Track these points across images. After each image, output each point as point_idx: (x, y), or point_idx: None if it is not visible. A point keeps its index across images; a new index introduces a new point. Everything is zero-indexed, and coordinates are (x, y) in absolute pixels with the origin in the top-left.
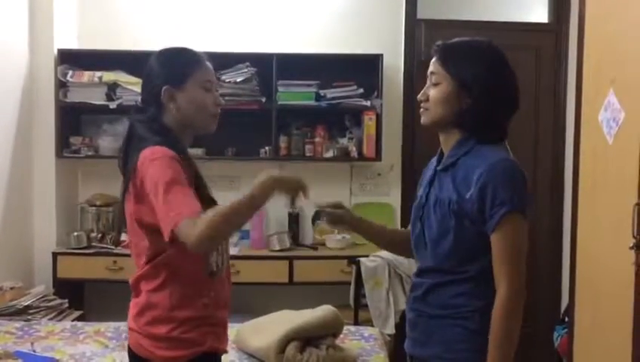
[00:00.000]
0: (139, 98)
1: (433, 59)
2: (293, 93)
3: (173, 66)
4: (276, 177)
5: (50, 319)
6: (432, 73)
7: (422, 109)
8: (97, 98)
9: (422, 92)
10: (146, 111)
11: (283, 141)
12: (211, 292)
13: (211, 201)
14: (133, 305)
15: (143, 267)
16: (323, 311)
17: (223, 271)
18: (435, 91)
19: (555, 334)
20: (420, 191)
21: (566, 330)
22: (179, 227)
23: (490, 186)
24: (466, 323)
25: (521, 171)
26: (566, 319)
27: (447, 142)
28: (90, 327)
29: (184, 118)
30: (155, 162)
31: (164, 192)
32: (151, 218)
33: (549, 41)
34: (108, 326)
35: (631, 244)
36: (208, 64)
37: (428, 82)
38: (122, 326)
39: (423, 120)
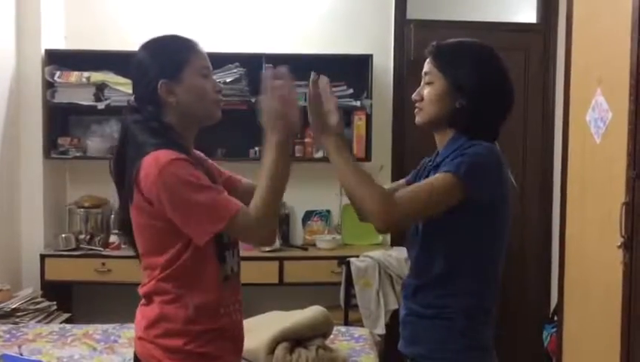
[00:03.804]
0: (130, 97)
1: (428, 59)
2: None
3: (166, 57)
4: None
5: (38, 321)
6: (425, 73)
7: (416, 109)
8: (85, 98)
9: (416, 92)
10: (142, 110)
11: None
12: (227, 300)
13: None
14: (144, 314)
15: (155, 277)
16: (312, 311)
17: (239, 274)
18: (428, 91)
19: (545, 333)
20: None
21: (555, 329)
22: (234, 222)
23: (451, 158)
24: (452, 323)
25: (494, 156)
26: (555, 318)
27: (442, 141)
28: (78, 330)
29: (186, 111)
30: (165, 170)
31: (193, 197)
32: (164, 224)
33: (538, 42)
34: (96, 329)
35: (619, 243)
36: (202, 49)
37: (422, 82)
38: (110, 328)
39: (417, 120)
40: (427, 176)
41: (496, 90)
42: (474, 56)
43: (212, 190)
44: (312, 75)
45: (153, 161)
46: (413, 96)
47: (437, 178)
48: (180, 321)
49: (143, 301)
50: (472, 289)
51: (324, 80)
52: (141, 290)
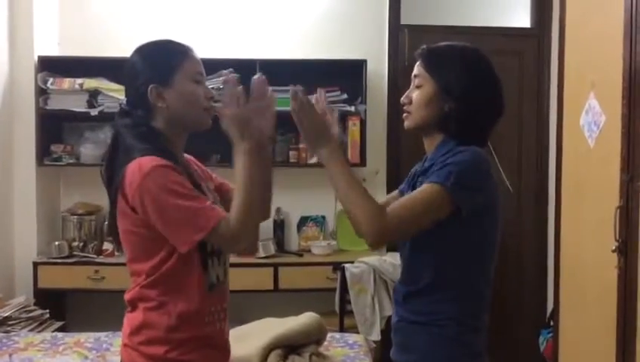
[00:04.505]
0: (122, 101)
1: (417, 63)
2: (277, 99)
3: (158, 61)
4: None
5: (31, 330)
6: (415, 76)
7: (405, 113)
8: (78, 105)
9: (405, 95)
10: (133, 114)
11: None
12: (212, 308)
13: None
14: (129, 320)
15: (140, 283)
16: (306, 318)
17: (225, 282)
18: (417, 94)
19: (541, 338)
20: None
21: (552, 334)
22: (215, 231)
23: (439, 166)
24: (443, 330)
25: (481, 162)
26: (551, 323)
27: (430, 145)
28: (70, 338)
29: (176, 117)
30: (148, 177)
31: (175, 204)
32: (148, 231)
33: (532, 46)
34: (88, 337)
35: (613, 247)
36: (196, 55)
37: (412, 85)
38: (103, 336)
39: (406, 124)
40: (415, 184)
41: (485, 93)
42: (463, 60)
43: (194, 198)
44: (293, 87)
45: (136, 168)
46: (402, 99)
47: (425, 190)
48: (162, 329)
49: (128, 307)
50: (463, 296)
51: (322, 91)
52: (126, 296)
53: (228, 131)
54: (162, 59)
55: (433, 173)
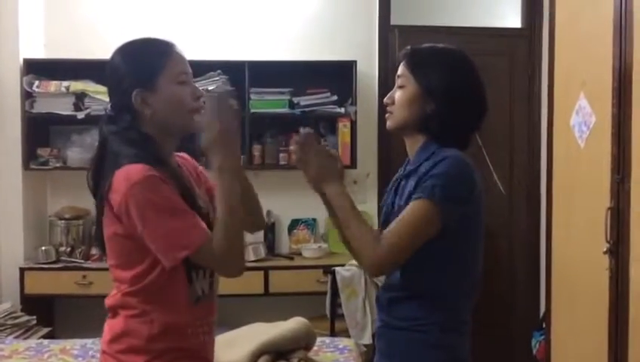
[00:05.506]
0: (108, 106)
1: (402, 63)
2: (266, 101)
3: (140, 63)
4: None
5: (17, 337)
6: (398, 76)
7: (387, 114)
8: (65, 108)
9: (388, 95)
10: (118, 119)
11: (257, 150)
12: (196, 321)
13: (198, 211)
14: (109, 327)
15: (122, 291)
16: (294, 323)
17: (211, 296)
18: (399, 94)
19: (534, 340)
20: (388, 200)
21: (544, 336)
22: (200, 251)
23: (426, 178)
24: (425, 336)
25: (464, 170)
26: (544, 325)
27: (412, 147)
28: (55, 345)
29: (162, 121)
30: (136, 187)
31: (160, 220)
32: (132, 240)
33: (523, 47)
34: (74, 344)
35: (604, 249)
36: (179, 52)
37: (395, 86)
38: (89, 343)
39: (388, 124)
40: (398, 188)
41: (466, 95)
42: (446, 61)
43: (180, 215)
44: (302, 129)
45: (124, 177)
46: (385, 99)
47: (412, 211)
48: (143, 337)
49: (109, 313)
50: (446, 302)
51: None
52: (107, 302)
53: (208, 148)
54: (144, 62)
55: (417, 188)
